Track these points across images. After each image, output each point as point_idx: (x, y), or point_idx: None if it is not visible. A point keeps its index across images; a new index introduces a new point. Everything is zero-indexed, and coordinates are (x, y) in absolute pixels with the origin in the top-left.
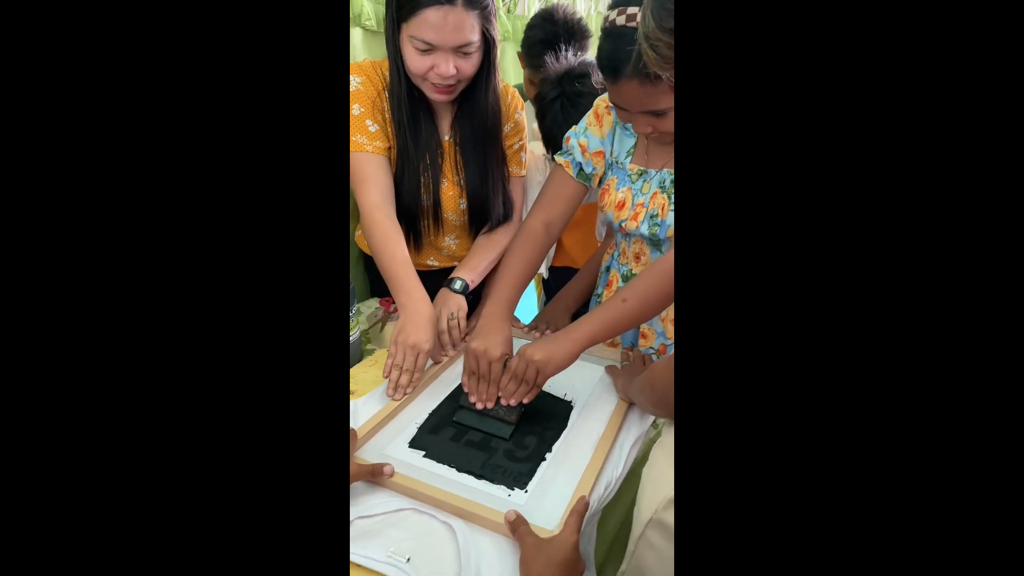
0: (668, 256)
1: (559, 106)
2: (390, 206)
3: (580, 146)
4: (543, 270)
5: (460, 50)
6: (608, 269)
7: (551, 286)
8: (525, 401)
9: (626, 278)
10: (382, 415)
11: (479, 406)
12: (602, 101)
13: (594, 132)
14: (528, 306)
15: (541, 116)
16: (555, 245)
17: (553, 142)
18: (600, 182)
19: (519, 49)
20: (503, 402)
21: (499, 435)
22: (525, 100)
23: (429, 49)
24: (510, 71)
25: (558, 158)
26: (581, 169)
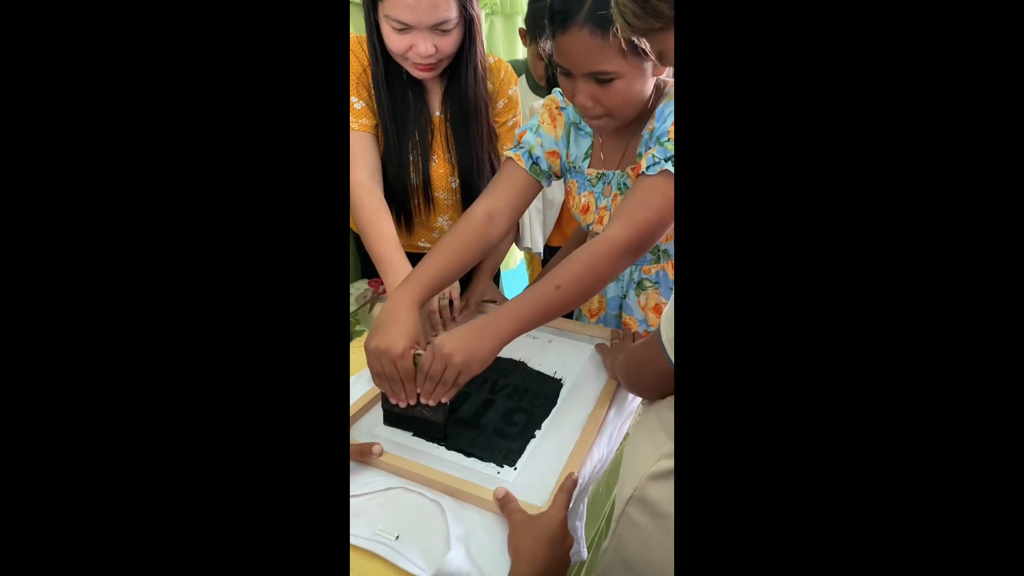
0: (597, 240)
1: None
2: (377, 185)
3: (534, 143)
4: (539, 248)
5: (438, 28)
6: None
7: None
8: (444, 400)
9: None
10: (371, 395)
11: (401, 405)
12: (553, 101)
13: (547, 131)
14: (521, 287)
15: None
16: (555, 221)
17: None
18: (562, 178)
19: (521, 25)
20: (423, 400)
21: (434, 436)
22: (524, 75)
23: (406, 28)
24: (499, 46)
25: (509, 153)
26: (535, 163)
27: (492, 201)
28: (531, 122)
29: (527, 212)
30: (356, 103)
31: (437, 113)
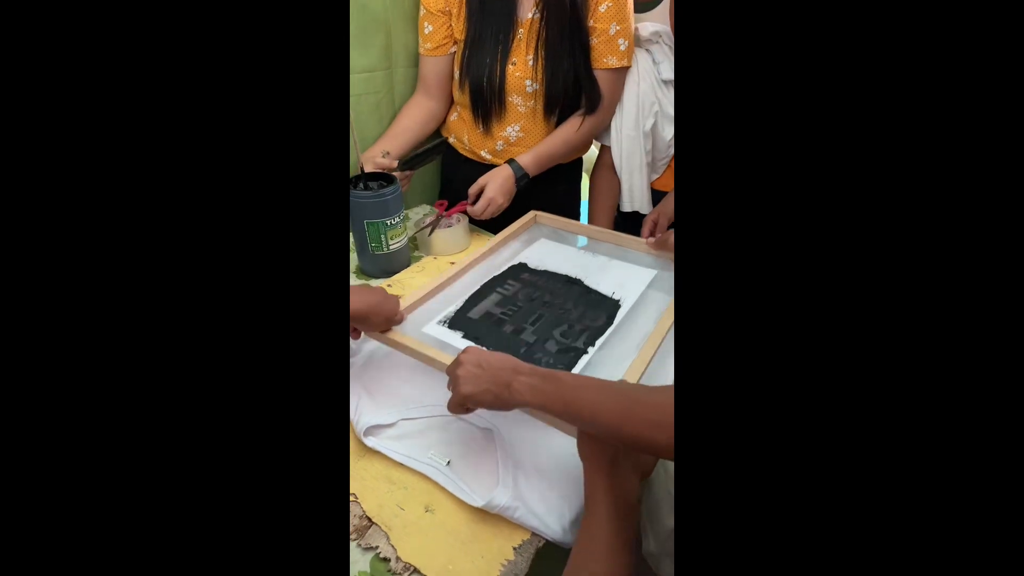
0: None
1: None
2: (424, 98)
3: None
4: (647, 209)
5: None
6: None
7: (622, 223)
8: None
9: None
10: (422, 292)
11: None
12: None
13: None
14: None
15: None
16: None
17: None
18: None
19: None
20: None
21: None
22: None
23: None
24: None
25: None
26: None
27: None
28: None
29: (630, 167)
30: (427, 28)
31: (531, 14)
